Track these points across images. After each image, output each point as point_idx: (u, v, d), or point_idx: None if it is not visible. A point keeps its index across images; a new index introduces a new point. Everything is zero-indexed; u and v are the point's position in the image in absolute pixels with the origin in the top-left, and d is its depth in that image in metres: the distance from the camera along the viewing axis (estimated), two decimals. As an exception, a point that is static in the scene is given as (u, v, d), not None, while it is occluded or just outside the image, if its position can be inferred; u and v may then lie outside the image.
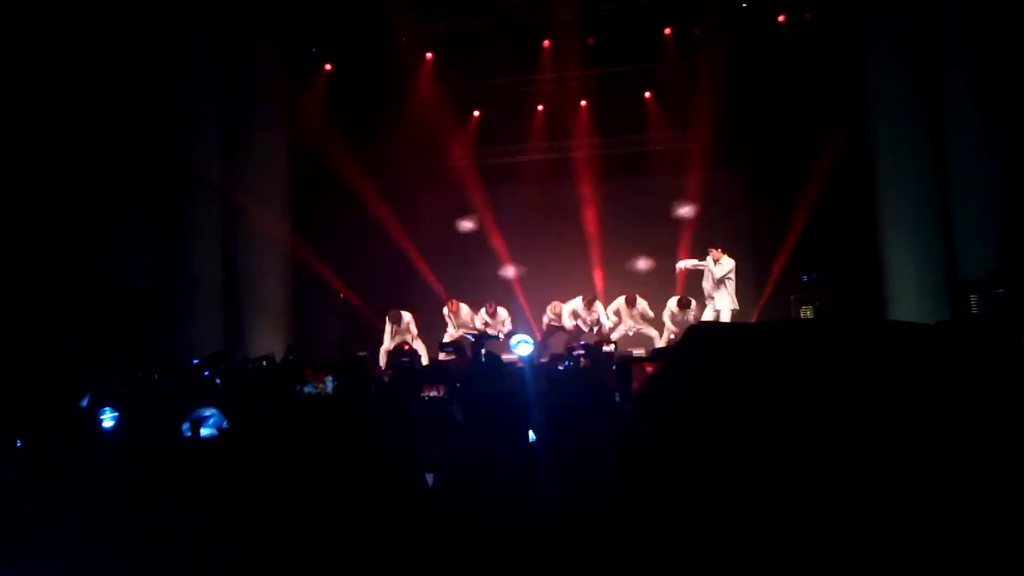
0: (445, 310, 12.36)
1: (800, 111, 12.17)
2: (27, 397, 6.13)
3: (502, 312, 12.27)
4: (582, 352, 8.39)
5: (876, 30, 10.87)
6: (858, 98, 11.21)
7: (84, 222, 9.80)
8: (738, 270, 10.93)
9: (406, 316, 12.36)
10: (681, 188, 13.59)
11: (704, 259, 10.97)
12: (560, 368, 7.12)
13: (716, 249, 10.85)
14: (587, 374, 6.48)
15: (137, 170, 10.48)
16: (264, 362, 8.89)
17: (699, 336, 1.48)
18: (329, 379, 6.05)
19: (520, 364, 7.50)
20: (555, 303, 12.04)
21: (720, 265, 10.75)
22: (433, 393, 5.53)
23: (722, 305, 10.80)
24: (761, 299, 12.95)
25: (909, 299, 10.41)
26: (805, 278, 12.09)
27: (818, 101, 11.90)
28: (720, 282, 10.80)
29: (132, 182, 10.45)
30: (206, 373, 7.20)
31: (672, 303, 11.56)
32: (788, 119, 12.35)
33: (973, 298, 9.26)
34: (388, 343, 12.25)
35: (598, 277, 13.32)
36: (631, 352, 10.68)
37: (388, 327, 12.32)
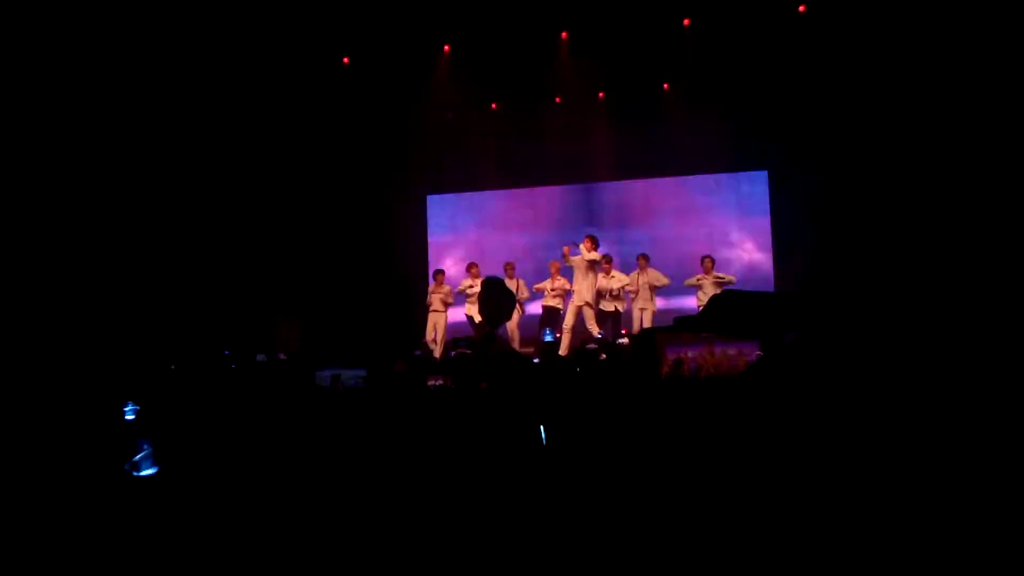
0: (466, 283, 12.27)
1: (816, 106, 12.08)
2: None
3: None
4: (596, 347, 8.42)
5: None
6: (876, 94, 11.16)
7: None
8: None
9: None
10: (697, 182, 13.59)
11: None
12: (578, 369, 7.14)
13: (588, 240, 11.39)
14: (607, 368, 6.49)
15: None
16: (278, 356, 8.98)
17: (725, 305, 1.51)
18: (340, 372, 6.11)
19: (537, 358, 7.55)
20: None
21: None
22: (439, 383, 5.57)
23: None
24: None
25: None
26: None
27: (837, 97, 11.82)
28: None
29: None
30: (233, 366, 7.29)
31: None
32: (804, 115, 12.26)
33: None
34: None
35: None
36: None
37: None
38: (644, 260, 11.94)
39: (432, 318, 12.13)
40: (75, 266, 9.51)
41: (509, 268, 12.15)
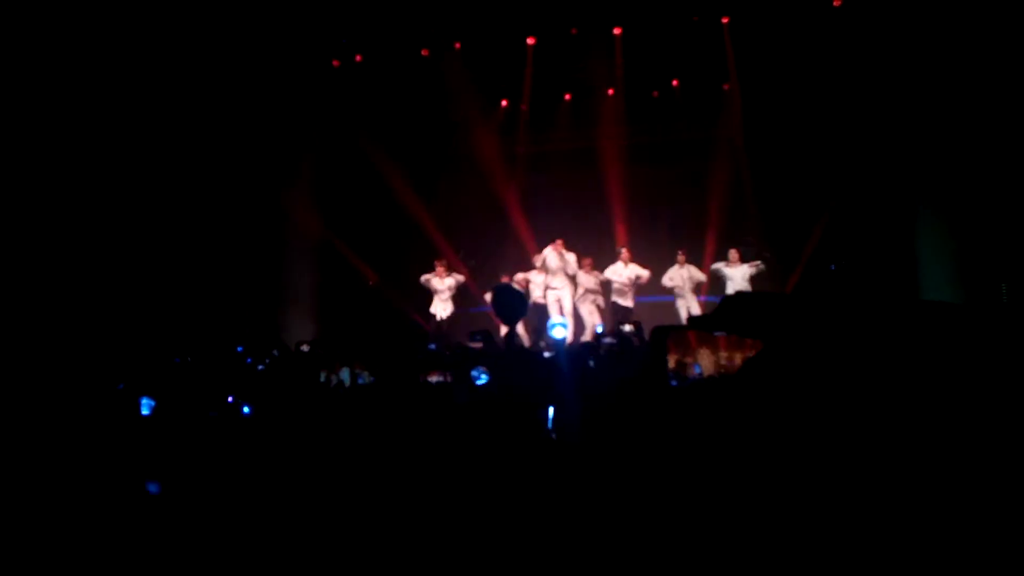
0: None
1: (828, 97, 12.03)
2: (65, 381, 6.28)
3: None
4: (613, 340, 8.42)
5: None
6: (890, 84, 11.10)
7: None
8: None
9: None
10: (707, 177, 13.55)
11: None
12: (591, 362, 7.14)
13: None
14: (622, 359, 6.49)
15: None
16: (296, 348, 9.00)
17: (736, 306, 1.54)
18: (346, 370, 6.12)
19: (549, 352, 7.57)
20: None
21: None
22: (437, 378, 5.58)
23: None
24: (787, 289, 12.86)
25: (939, 286, 10.33)
26: (832, 267, 11.98)
27: (848, 86, 11.77)
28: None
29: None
30: (248, 360, 7.32)
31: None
32: (816, 105, 12.21)
33: (1003, 286, 9.21)
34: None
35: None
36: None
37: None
38: (683, 255, 11.88)
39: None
40: (85, 264, 9.56)
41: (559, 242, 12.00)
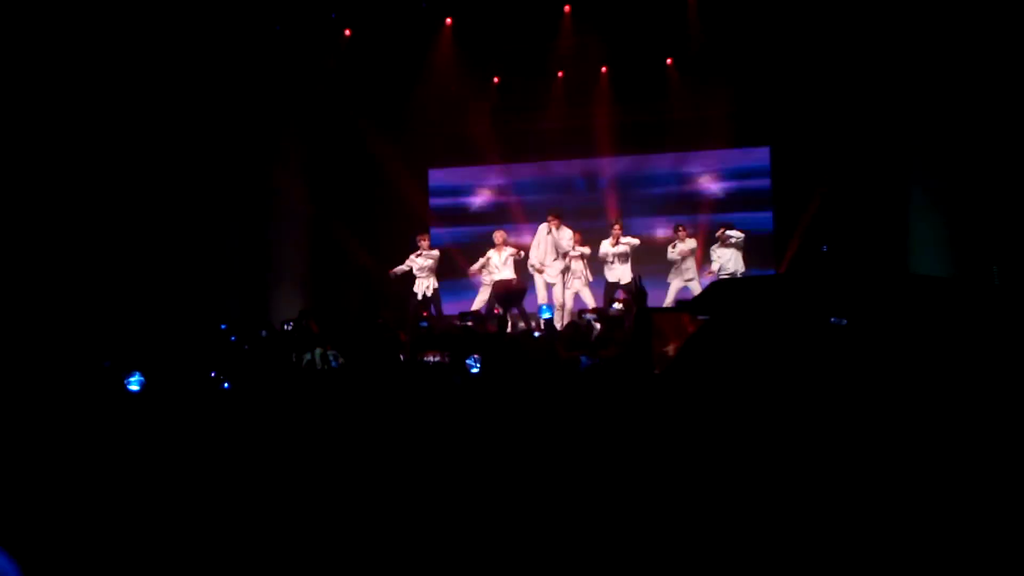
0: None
1: (825, 80, 11.96)
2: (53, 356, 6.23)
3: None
4: (593, 316, 8.38)
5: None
6: (886, 63, 11.04)
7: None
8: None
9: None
10: (701, 158, 13.51)
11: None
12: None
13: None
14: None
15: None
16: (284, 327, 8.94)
17: (722, 291, 1.50)
18: (319, 351, 6.09)
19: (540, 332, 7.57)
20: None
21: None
22: (435, 358, 5.54)
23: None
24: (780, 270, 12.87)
25: (931, 267, 10.35)
26: (824, 248, 11.98)
27: (845, 70, 11.70)
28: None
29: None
30: (233, 339, 7.28)
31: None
32: (812, 87, 12.15)
33: (995, 269, 9.22)
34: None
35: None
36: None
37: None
38: (683, 230, 11.81)
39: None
40: (70, 243, 9.44)
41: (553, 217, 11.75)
